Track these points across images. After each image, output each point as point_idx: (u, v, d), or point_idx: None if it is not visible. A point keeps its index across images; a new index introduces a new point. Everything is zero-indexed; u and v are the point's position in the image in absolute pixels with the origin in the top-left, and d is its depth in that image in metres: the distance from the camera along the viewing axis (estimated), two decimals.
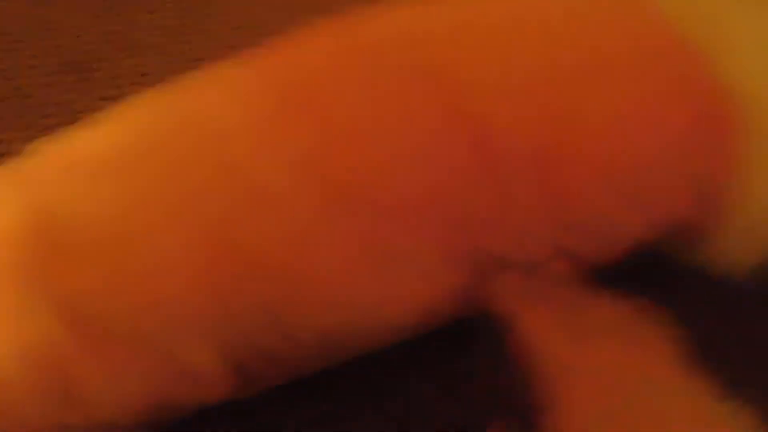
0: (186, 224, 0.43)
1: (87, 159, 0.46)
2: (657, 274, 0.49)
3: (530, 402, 0.40)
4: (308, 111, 0.46)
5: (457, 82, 0.47)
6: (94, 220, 0.43)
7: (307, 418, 0.48)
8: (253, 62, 0.50)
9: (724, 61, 0.49)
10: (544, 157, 0.46)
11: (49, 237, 0.43)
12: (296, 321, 0.44)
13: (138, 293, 0.42)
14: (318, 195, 0.43)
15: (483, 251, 0.46)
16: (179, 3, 0.85)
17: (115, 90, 0.77)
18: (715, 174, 0.49)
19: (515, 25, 0.50)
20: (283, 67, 0.49)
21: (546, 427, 0.39)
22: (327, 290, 0.44)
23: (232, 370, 0.44)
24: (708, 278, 0.51)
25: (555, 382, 0.40)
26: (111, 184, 0.44)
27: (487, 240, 0.46)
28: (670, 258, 0.52)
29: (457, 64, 0.47)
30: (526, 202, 0.46)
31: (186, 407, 0.45)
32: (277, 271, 0.43)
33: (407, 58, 0.47)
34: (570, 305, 0.45)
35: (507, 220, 0.46)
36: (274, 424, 0.48)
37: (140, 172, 0.45)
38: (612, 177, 0.47)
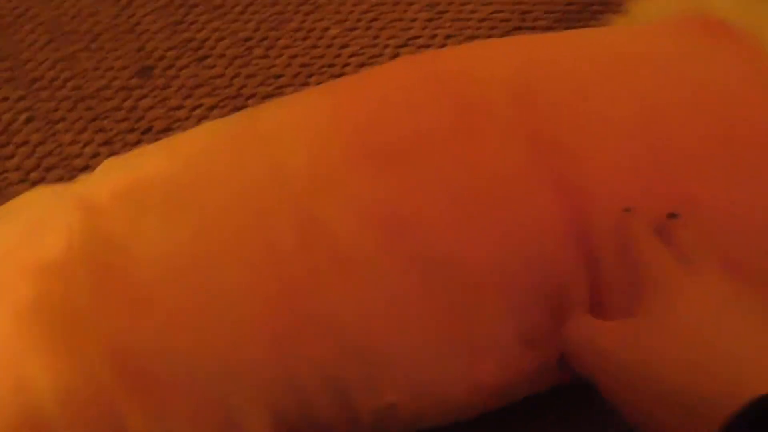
0: (260, 285, 0.41)
1: (152, 187, 0.45)
2: None
3: None
4: (398, 165, 0.43)
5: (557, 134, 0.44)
6: (156, 261, 0.42)
7: None
8: (338, 96, 0.47)
9: None
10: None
11: (105, 273, 0.41)
12: (360, 397, 0.41)
13: (196, 341, 0.40)
14: (406, 266, 0.41)
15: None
16: (256, 14, 0.83)
17: (191, 100, 0.76)
18: None
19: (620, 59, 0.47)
20: (365, 106, 0.46)
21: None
22: (401, 369, 0.41)
23: None
24: None
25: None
26: (176, 225, 0.43)
27: (566, 313, 0.42)
28: None
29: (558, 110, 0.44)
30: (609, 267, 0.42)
31: None
32: (353, 343, 0.41)
33: (508, 107, 0.44)
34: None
35: (591, 289, 0.42)
36: None
37: (211, 212, 0.43)
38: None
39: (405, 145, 0.43)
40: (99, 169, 0.48)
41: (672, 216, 0.42)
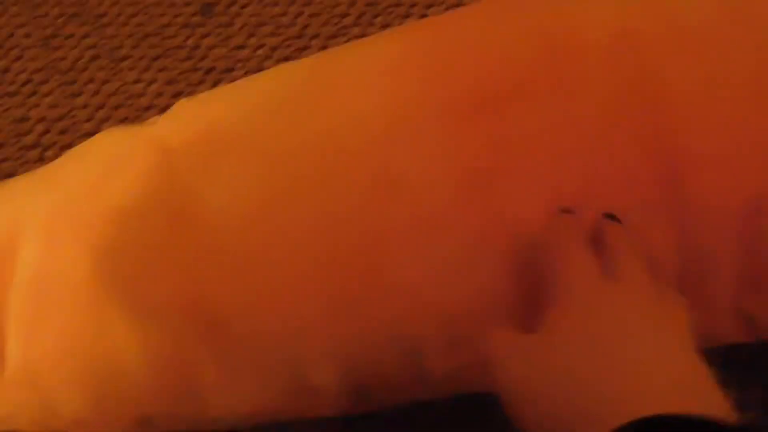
0: (332, 238, 0.41)
1: (225, 133, 0.44)
2: None
3: None
4: (481, 120, 0.41)
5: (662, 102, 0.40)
6: (229, 208, 0.41)
7: None
8: (416, 40, 0.45)
9: None
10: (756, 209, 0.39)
11: (180, 219, 0.41)
12: (434, 357, 0.41)
13: (272, 301, 0.41)
14: (478, 225, 0.39)
15: None
16: None
17: (254, 39, 0.75)
18: None
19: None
20: (445, 51, 0.44)
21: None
22: (477, 330, 0.40)
23: (350, 390, 0.42)
24: None
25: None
26: (249, 172, 0.42)
27: None
28: None
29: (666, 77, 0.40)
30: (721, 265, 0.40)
31: (292, 417, 0.43)
32: (427, 303, 0.40)
33: (613, 64, 0.41)
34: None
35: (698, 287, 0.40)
36: None
37: (283, 160, 0.42)
38: None
39: (491, 94, 0.41)
40: (171, 111, 0.48)
41: (609, 217, 0.39)
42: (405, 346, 0.40)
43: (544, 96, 0.41)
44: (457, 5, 0.74)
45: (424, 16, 0.76)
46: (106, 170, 0.44)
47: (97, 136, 0.48)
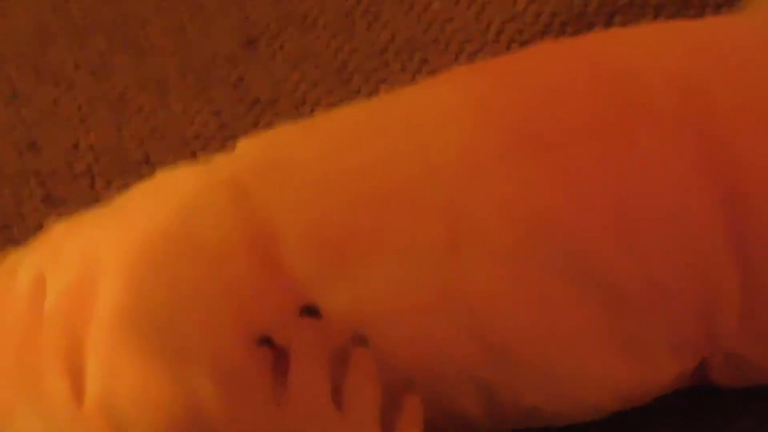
0: (408, 277, 0.41)
1: (298, 169, 0.45)
2: None
3: None
4: (548, 160, 0.41)
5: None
6: (314, 239, 0.42)
7: None
8: (484, 83, 0.46)
9: None
10: None
11: (265, 258, 0.43)
12: (503, 396, 0.42)
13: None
14: (550, 267, 0.41)
15: (714, 344, 0.42)
16: None
17: (297, 72, 0.77)
18: None
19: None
20: (513, 95, 0.45)
21: None
22: (542, 372, 0.42)
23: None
24: None
25: None
26: (326, 209, 0.43)
27: (725, 332, 0.42)
28: None
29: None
30: None
31: None
32: (495, 342, 0.41)
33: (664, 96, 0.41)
34: None
35: (753, 312, 0.41)
36: None
37: (358, 201, 0.43)
38: None
39: (558, 138, 0.42)
40: (238, 148, 0.49)
41: (359, 342, 0.40)
42: (475, 384, 0.41)
43: (612, 143, 0.41)
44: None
45: (460, 51, 0.78)
46: (181, 207, 0.45)
47: (165, 171, 0.50)
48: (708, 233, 0.41)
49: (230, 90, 0.77)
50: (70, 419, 0.42)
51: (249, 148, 0.49)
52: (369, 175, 0.44)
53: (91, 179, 0.73)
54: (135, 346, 0.41)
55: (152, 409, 0.40)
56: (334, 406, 0.37)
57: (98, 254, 0.45)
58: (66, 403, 0.42)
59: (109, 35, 0.81)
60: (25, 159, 0.74)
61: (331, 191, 0.43)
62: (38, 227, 0.57)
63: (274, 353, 0.40)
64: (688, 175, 0.41)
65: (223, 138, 0.73)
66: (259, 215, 0.43)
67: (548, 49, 0.48)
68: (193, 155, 0.73)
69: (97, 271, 0.44)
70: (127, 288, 0.42)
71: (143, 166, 0.73)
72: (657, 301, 0.41)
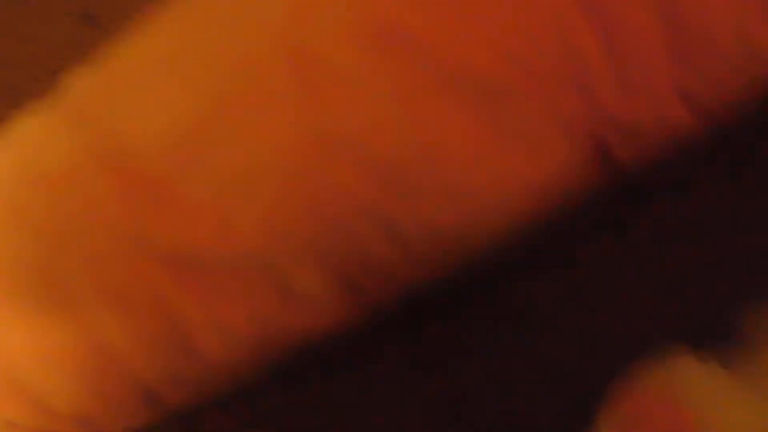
0: (270, 124, 0.38)
1: (137, 65, 0.41)
2: None
3: None
4: None
5: None
6: (168, 139, 0.38)
7: None
8: None
9: None
10: None
11: (123, 173, 0.38)
12: (405, 219, 0.39)
13: (232, 213, 0.38)
14: (413, 81, 0.37)
15: (601, 116, 0.40)
16: None
17: None
18: None
19: None
20: None
21: None
22: (437, 178, 0.39)
23: (342, 288, 0.40)
24: None
25: None
26: (173, 90, 0.39)
27: (607, 101, 0.40)
28: None
29: None
30: (644, 43, 0.39)
31: (296, 340, 0.41)
32: (381, 162, 0.38)
33: None
34: None
35: (625, 70, 0.39)
36: None
37: (204, 69, 0.39)
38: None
39: None
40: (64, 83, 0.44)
41: None
42: (377, 220, 0.38)
43: None
44: None
45: None
46: (21, 153, 0.41)
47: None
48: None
49: None
50: None
51: (76, 80, 0.44)
52: (208, 65, 0.39)
53: None
54: (19, 303, 0.38)
55: (59, 364, 0.38)
56: None
57: None
58: None
59: None
60: None
61: (174, 92, 0.40)
62: None
63: None
64: None
65: None
66: (101, 134, 0.39)
67: None
68: None
69: None
70: None
71: None
72: (529, 82, 0.39)
